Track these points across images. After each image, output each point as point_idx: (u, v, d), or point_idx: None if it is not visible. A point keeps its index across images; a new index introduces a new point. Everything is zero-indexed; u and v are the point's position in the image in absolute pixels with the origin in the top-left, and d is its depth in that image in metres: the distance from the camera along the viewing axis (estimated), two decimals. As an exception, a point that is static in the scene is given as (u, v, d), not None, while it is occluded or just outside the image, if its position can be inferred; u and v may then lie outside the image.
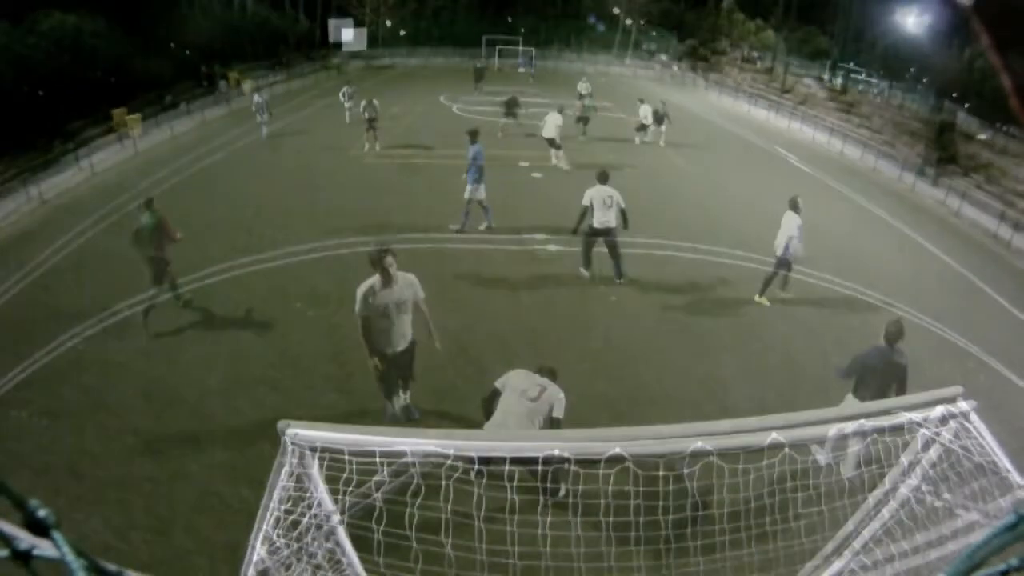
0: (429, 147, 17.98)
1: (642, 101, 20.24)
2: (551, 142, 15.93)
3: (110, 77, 20.82)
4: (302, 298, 8.88)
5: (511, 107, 19.51)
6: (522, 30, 45.16)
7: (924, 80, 26.98)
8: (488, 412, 4.80)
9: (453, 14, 45.60)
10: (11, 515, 0.61)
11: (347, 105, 20.66)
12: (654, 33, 46.70)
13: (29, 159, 15.04)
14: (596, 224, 9.11)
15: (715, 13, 43.71)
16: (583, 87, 24.60)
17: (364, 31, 40.24)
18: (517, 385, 4.76)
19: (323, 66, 37.79)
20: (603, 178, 9.18)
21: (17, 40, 16.89)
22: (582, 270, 9.72)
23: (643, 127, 19.89)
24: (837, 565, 2.72)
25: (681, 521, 2.47)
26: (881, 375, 5.38)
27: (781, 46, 38.27)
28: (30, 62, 17.08)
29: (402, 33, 43.90)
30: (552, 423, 4.60)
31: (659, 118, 19.48)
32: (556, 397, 4.73)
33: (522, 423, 4.43)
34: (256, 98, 19.31)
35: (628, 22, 45.34)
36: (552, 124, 15.67)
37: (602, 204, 9.00)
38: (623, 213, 9.13)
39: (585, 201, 9.09)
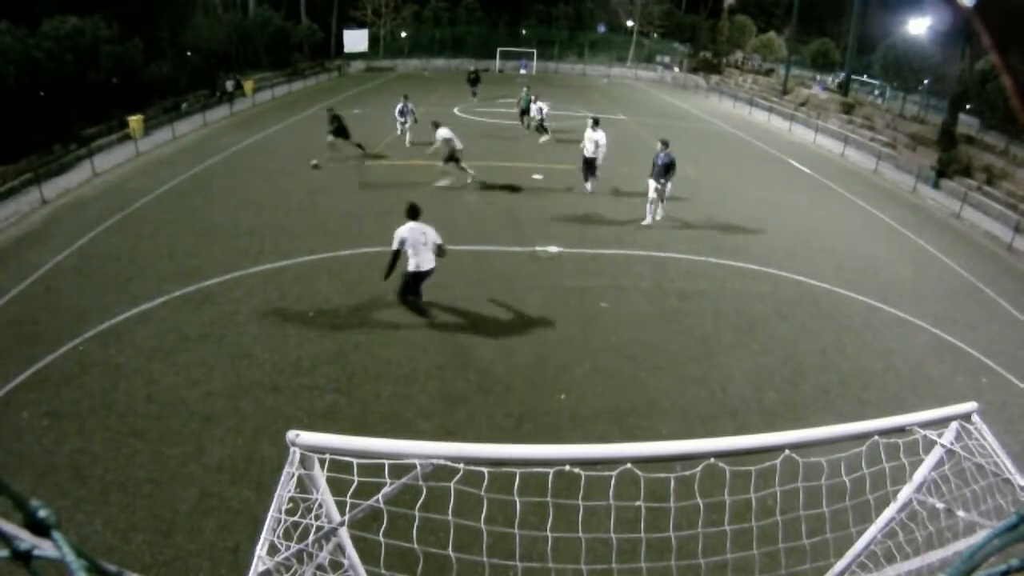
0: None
1: (596, 123, 13.94)
2: (450, 156, 14.03)
3: (120, 82, 20.86)
4: (303, 299, 8.90)
5: (335, 122, 16.01)
6: (523, 31, 45.28)
7: (925, 82, 26.93)
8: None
9: (454, 18, 45.63)
10: (12, 515, 0.62)
11: (406, 123, 17.76)
12: (655, 36, 46.73)
13: (31, 162, 15.07)
14: (414, 268, 7.90)
15: (720, 19, 43.72)
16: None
17: (366, 32, 40.36)
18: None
19: (323, 67, 37.87)
20: (413, 213, 7.86)
21: (20, 41, 16.93)
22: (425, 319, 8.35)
23: (588, 165, 14.10)
24: (838, 567, 2.71)
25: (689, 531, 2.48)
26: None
27: (783, 49, 38.31)
28: (35, 64, 17.13)
29: (403, 34, 43.98)
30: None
31: (660, 172, 11.91)
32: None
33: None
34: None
35: (630, 24, 45.37)
36: (440, 140, 13.90)
37: (417, 244, 7.77)
38: (439, 250, 7.98)
39: (395, 244, 7.72)
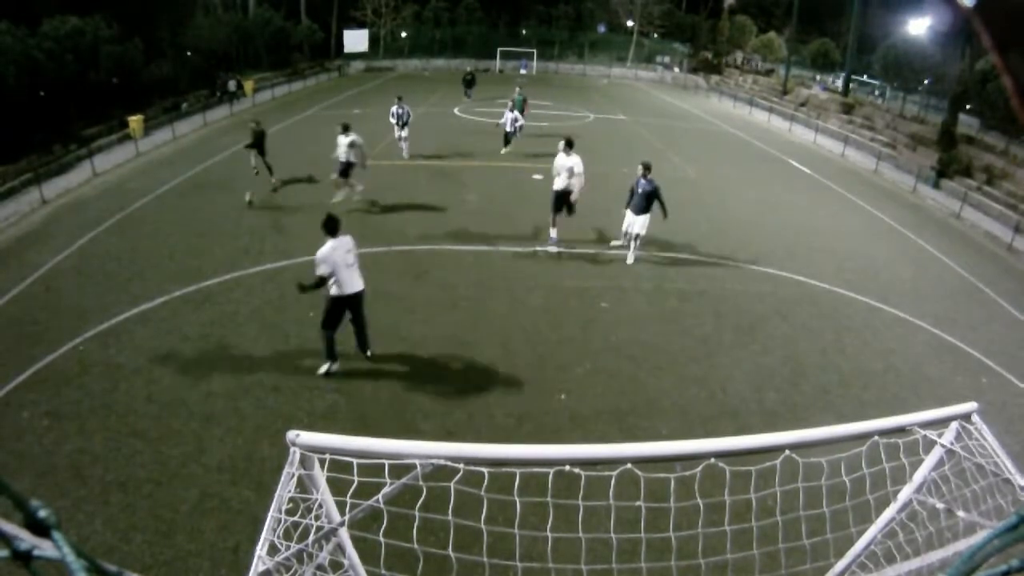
0: (437, 151, 17.99)
1: (569, 145, 10.54)
2: (345, 169, 12.46)
3: (120, 82, 20.86)
4: (303, 299, 8.88)
5: (257, 139, 13.37)
6: (523, 31, 45.29)
7: (925, 82, 26.94)
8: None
9: (454, 18, 45.61)
10: (12, 515, 0.62)
11: (401, 134, 16.23)
12: (655, 36, 46.72)
13: (31, 162, 15.07)
14: (337, 293, 6.79)
15: (720, 19, 43.71)
16: (514, 116, 17.41)
17: (366, 33, 40.34)
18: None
19: (323, 68, 37.86)
20: (332, 228, 6.70)
21: (20, 41, 16.94)
22: (329, 366, 7.14)
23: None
24: (838, 567, 2.71)
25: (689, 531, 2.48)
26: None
27: (783, 50, 38.31)
28: (35, 64, 17.14)
29: (403, 35, 43.97)
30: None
31: (640, 202, 10.04)
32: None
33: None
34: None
35: (630, 24, 45.37)
36: (344, 147, 12.24)
37: (340, 265, 6.66)
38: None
39: (322, 269, 6.56)
